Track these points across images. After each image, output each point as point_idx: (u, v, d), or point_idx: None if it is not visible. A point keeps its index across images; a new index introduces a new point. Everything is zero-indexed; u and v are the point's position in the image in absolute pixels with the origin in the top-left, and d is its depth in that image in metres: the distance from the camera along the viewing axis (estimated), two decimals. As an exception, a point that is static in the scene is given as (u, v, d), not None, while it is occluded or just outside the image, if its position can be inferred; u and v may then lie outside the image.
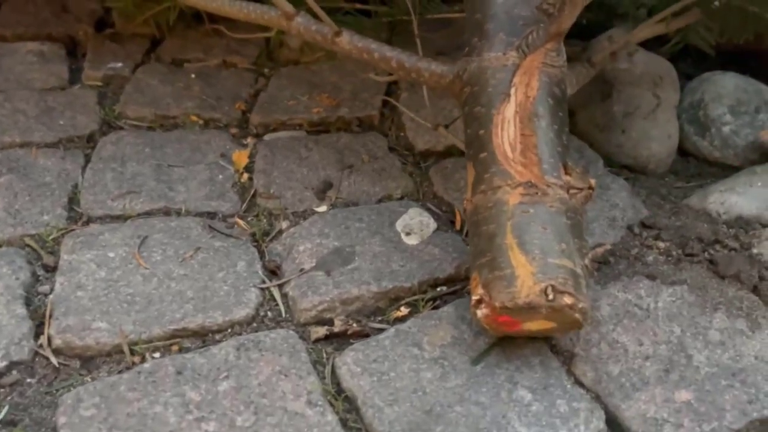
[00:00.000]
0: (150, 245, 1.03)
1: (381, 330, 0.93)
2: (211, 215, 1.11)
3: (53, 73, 1.42)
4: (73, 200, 1.12)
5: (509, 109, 0.93)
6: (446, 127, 1.22)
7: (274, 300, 0.98)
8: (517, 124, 0.92)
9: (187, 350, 0.90)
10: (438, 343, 0.90)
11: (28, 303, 0.94)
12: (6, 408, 0.82)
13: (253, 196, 1.15)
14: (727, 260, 1.02)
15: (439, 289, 0.99)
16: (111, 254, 1.01)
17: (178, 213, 1.11)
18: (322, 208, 1.13)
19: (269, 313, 0.96)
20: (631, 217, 1.12)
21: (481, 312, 0.84)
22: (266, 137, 1.29)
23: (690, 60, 1.47)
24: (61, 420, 0.80)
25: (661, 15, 1.16)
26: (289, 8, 1.08)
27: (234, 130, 1.31)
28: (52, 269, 1.00)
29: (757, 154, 1.26)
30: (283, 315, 0.96)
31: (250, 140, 1.28)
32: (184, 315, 0.93)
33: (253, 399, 0.83)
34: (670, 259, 1.05)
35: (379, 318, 0.96)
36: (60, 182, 1.14)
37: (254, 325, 0.94)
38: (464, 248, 1.04)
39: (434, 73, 1.04)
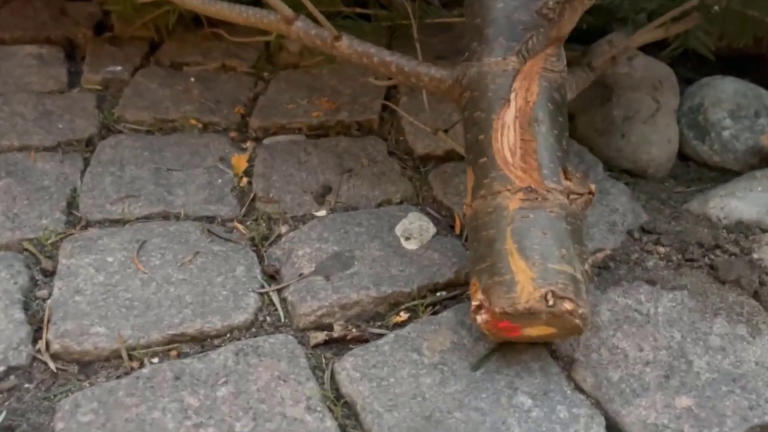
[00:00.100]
0: (149, 250, 1.03)
1: (380, 335, 0.92)
2: (210, 219, 1.11)
3: (52, 76, 1.42)
4: (71, 204, 1.12)
5: (509, 114, 0.93)
6: (446, 131, 1.22)
7: (273, 305, 0.98)
8: (517, 129, 0.92)
9: (186, 355, 0.89)
10: (437, 349, 0.90)
11: (26, 307, 0.94)
12: (4, 413, 0.82)
13: (252, 200, 1.15)
14: (728, 265, 1.02)
15: (438, 294, 0.99)
16: (110, 259, 1.01)
17: (177, 217, 1.10)
18: (322, 213, 1.13)
19: (268, 318, 0.96)
20: (631, 222, 1.11)
21: (481, 317, 0.84)
22: (265, 141, 1.29)
23: (690, 64, 1.47)
24: (59, 425, 0.80)
25: (661, 19, 1.16)
26: (289, 12, 1.08)
27: (233, 134, 1.31)
28: (50, 274, 0.99)
29: (757, 158, 1.25)
30: (282, 320, 0.96)
31: (249, 144, 1.28)
32: (182, 320, 0.92)
33: (251, 404, 0.82)
34: (670, 264, 1.04)
35: (379, 323, 0.96)
36: (58, 186, 1.14)
37: (253, 330, 0.94)
38: (464, 253, 1.04)
39: (434, 77, 1.03)
